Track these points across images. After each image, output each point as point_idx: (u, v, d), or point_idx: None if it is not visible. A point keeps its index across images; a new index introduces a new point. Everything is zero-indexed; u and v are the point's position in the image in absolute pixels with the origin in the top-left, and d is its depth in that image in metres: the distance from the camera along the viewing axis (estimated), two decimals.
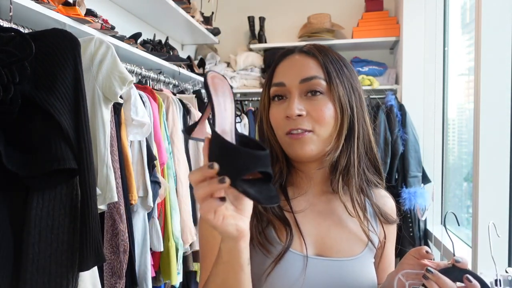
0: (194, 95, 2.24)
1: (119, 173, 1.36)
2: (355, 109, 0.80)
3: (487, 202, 1.50)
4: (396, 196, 2.39)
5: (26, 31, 1.13)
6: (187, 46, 3.14)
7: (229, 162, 0.51)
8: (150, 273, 1.53)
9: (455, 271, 0.66)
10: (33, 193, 0.97)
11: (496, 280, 0.74)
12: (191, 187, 1.95)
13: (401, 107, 2.60)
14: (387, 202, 0.89)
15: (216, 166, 0.51)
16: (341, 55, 0.84)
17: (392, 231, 0.89)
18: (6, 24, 1.08)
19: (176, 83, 2.30)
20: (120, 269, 1.33)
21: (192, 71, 2.59)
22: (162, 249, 1.63)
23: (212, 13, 2.98)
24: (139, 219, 1.53)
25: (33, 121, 0.98)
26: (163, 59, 2.09)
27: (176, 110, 1.90)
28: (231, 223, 0.55)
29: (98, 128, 1.25)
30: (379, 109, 2.54)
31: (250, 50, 3.19)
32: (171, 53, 2.28)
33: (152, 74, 1.95)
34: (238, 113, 2.85)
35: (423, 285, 0.68)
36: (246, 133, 2.89)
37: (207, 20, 2.85)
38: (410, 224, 2.49)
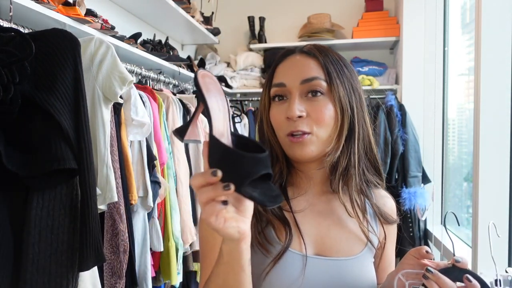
0: (194, 95, 2.24)
1: (119, 173, 1.36)
2: (355, 109, 0.80)
3: (487, 202, 1.50)
4: (396, 196, 2.39)
5: (26, 31, 1.13)
6: (187, 46, 3.14)
7: (233, 168, 0.51)
8: (150, 273, 1.53)
9: (455, 271, 0.67)
10: (33, 193, 0.97)
11: (496, 280, 0.74)
12: (191, 187, 1.95)
13: (401, 107, 2.60)
14: (387, 202, 0.89)
15: (219, 173, 0.51)
16: (341, 56, 0.84)
17: (392, 231, 0.89)
18: (6, 24, 1.08)
19: (176, 83, 2.30)
20: (120, 269, 1.33)
21: (192, 71, 2.59)
22: (162, 249, 1.63)
23: (212, 13, 2.98)
24: (139, 219, 1.53)
25: (33, 121, 0.98)
26: (163, 59, 2.09)
27: (176, 110, 1.90)
28: (233, 226, 0.55)
29: (98, 128, 1.25)
30: (379, 109, 2.54)
31: (250, 50, 3.19)
32: (171, 53, 2.28)
33: (152, 74, 1.95)
34: (238, 113, 2.84)
35: (423, 285, 0.68)
36: (246, 133, 2.88)
37: (207, 20, 2.85)
38: (410, 224, 2.49)
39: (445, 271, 0.66)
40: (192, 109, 2.08)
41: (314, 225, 0.82)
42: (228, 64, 3.22)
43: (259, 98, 0.88)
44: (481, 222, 1.49)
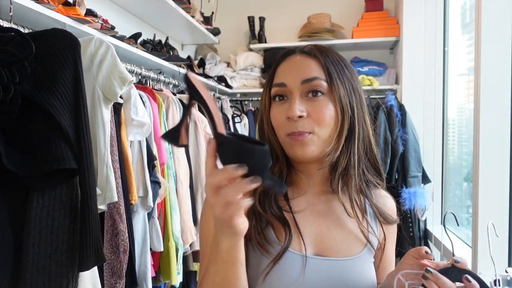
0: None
1: (119, 173, 1.36)
2: (356, 110, 0.80)
3: (487, 202, 1.50)
4: (396, 196, 2.39)
5: (26, 31, 1.13)
6: (187, 46, 3.14)
7: (251, 162, 0.54)
8: (150, 273, 1.53)
9: (454, 271, 0.67)
10: (33, 193, 0.97)
11: (495, 281, 0.74)
12: (191, 187, 1.95)
13: (401, 107, 2.60)
14: (387, 203, 0.89)
15: (244, 168, 0.53)
16: (342, 56, 0.84)
17: (392, 232, 0.89)
18: (6, 24, 1.08)
19: (176, 83, 2.30)
20: (120, 269, 1.33)
21: (192, 71, 2.59)
22: (162, 249, 1.63)
23: (212, 13, 2.98)
24: (139, 219, 1.53)
25: (33, 121, 0.98)
26: (163, 59, 2.09)
27: (176, 110, 1.90)
28: (243, 221, 0.60)
29: (98, 128, 1.25)
30: (379, 109, 2.54)
31: (250, 50, 3.19)
32: (171, 53, 2.28)
33: (152, 74, 1.95)
34: (238, 113, 2.84)
35: (423, 285, 0.68)
36: (246, 133, 2.89)
37: (207, 20, 2.85)
38: (410, 224, 2.49)
39: (445, 271, 0.67)
40: (192, 109, 2.07)
41: (314, 225, 0.82)
42: (228, 64, 3.22)
43: (260, 98, 0.88)
44: (481, 222, 1.49)
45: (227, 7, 3.22)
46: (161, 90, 1.99)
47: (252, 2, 3.31)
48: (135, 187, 1.46)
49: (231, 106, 2.85)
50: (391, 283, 0.73)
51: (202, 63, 3.05)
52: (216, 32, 2.95)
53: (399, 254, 0.89)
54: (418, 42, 2.61)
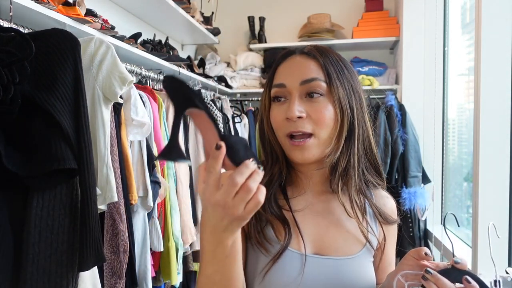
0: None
1: (119, 173, 1.36)
2: (355, 110, 0.80)
3: (487, 202, 1.50)
4: (396, 196, 2.39)
5: (26, 31, 1.13)
6: (187, 46, 3.14)
7: (252, 154, 0.57)
8: (150, 273, 1.53)
9: (454, 272, 0.67)
10: (33, 193, 0.97)
11: (495, 281, 0.74)
12: (191, 187, 1.95)
13: (401, 107, 2.60)
14: (387, 203, 0.89)
15: (256, 160, 0.56)
16: (342, 57, 0.84)
17: (392, 232, 0.89)
18: (6, 24, 1.08)
19: None
20: (120, 269, 1.33)
21: (192, 71, 2.59)
22: (162, 249, 1.63)
23: (212, 13, 2.98)
24: (139, 219, 1.53)
25: (33, 121, 0.98)
26: (163, 59, 2.09)
27: None
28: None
29: (98, 128, 1.25)
30: (379, 109, 2.54)
31: (250, 50, 3.19)
32: (171, 53, 2.28)
33: (152, 74, 1.95)
34: (238, 113, 2.84)
35: (422, 286, 0.68)
36: (246, 133, 2.88)
37: (207, 20, 2.85)
38: (410, 224, 2.49)
39: (444, 272, 0.67)
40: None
41: (313, 224, 0.82)
42: (228, 64, 3.22)
43: (259, 98, 0.88)
44: (481, 222, 1.49)
45: (227, 7, 3.22)
46: (161, 90, 1.99)
47: (252, 2, 3.31)
48: (135, 187, 1.46)
49: (231, 106, 2.85)
50: (391, 283, 0.73)
51: (202, 63, 3.05)
52: (216, 32, 2.94)
53: (399, 254, 0.89)
54: (418, 42, 2.61)
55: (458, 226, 0.76)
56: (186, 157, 0.59)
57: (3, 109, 0.92)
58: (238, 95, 3.23)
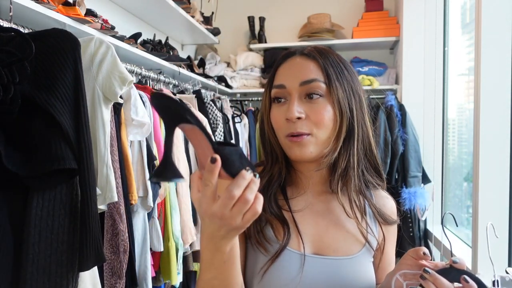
0: (194, 95, 2.24)
1: (119, 173, 1.36)
2: (355, 111, 0.80)
3: (487, 202, 1.50)
4: (396, 196, 2.39)
5: (26, 31, 1.13)
6: (187, 46, 3.14)
7: (247, 162, 0.57)
8: (150, 273, 1.53)
9: (452, 272, 0.67)
10: (33, 193, 0.97)
11: (494, 281, 0.74)
12: (191, 187, 1.94)
13: (401, 107, 2.60)
14: (387, 203, 0.89)
15: (253, 169, 0.56)
16: (342, 58, 0.84)
17: (391, 232, 0.89)
18: (6, 24, 1.08)
19: (176, 83, 2.30)
20: (120, 269, 1.33)
21: (192, 71, 2.59)
22: (162, 249, 1.63)
23: (212, 13, 2.98)
24: (139, 219, 1.53)
25: (33, 121, 0.98)
26: (163, 59, 2.09)
27: None
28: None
29: (98, 128, 1.25)
30: (379, 109, 2.54)
31: (250, 50, 3.19)
32: (171, 53, 2.28)
33: (152, 74, 1.95)
34: (238, 113, 2.84)
35: (421, 285, 0.68)
36: (246, 133, 2.88)
37: (207, 20, 2.85)
38: (410, 224, 2.49)
39: (443, 271, 0.67)
40: (192, 109, 2.07)
41: (313, 224, 0.82)
42: (228, 64, 3.22)
43: (259, 98, 0.89)
44: (481, 222, 1.49)
45: (227, 7, 3.22)
46: (161, 90, 1.99)
47: (252, 2, 3.31)
48: (135, 187, 1.46)
49: (231, 106, 2.85)
50: (390, 283, 0.73)
51: (202, 63, 3.05)
52: (216, 32, 2.95)
53: (399, 254, 0.89)
54: (418, 42, 2.61)
55: (457, 226, 0.77)
56: (178, 177, 0.56)
57: (3, 109, 0.92)
58: (238, 95, 3.23)
